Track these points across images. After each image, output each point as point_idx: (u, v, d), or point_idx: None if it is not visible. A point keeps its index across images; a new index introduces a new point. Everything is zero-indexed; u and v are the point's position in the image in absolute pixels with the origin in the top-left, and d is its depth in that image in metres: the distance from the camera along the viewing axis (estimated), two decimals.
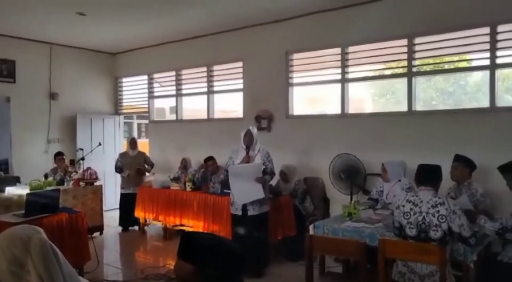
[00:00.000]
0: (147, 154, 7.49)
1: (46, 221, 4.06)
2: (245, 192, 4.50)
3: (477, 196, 3.98)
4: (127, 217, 6.77)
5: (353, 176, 5.22)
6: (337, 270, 4.27)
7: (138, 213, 6.51)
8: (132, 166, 6.86)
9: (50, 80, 7.80)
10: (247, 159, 4.63)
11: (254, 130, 4.74)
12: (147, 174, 7.13)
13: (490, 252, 3.60)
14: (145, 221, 6.60)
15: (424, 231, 2.95)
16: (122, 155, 7.04)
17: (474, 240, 2.95)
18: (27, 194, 4.33)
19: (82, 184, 6.27)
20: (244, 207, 4.56)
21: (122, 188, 6.98)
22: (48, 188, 5.52)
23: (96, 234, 6.23)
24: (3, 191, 5.45)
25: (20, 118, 7.28)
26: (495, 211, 4.31)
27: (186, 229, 5.95)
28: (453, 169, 4.14)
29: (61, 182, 6.18)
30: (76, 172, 6.45)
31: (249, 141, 4.65)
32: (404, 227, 3.06)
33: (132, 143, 7.07)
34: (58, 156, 6.61)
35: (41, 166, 7.09)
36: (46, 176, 6.34)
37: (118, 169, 6.93)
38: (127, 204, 6.72)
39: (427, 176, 3.15)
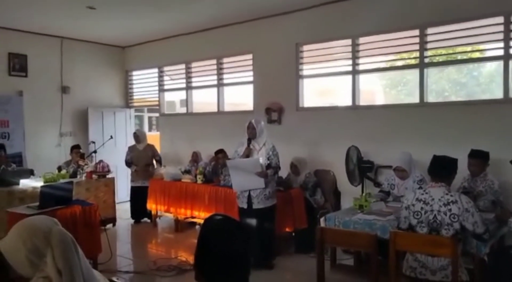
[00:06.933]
0: (157, 146, 7.50)
1: (60, 213, 4.12)
2: (246, 180, 4.48)
3: (495, 187, 3.98)
4: (137, 210, 6.84)
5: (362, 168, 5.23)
6: (348, 262, 4.29)
7: (150, 205, 6.58)
8: (140, 159, 6.87)
9: (62, 74, 7.87)
10: (248, 152, 4.61)
11: (261, 124, 4.70)
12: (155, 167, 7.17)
13: (503, 245, 3.57)
14: (157, 213, 6.66)
15: (435, 229, 2.88)
16: (131, 149, 7.04)
17: (488, 235, 2.91)
18: (42, 186, 4.39)
19: (94, 176, 6.34)
20: (250, 200, 4.56)
21: (132, 181, 7.02)
22: (62, 181, 5.59)
23: (109, 226, 6.31)
24: (18, 184, 5.53)
25: (33, 112, 7.36)
26: (508, 204, 4.27)
27: (197, 221, 6.02)
28: (473, 166, 4.04)
29: (74, 175, 6.26)
30: (87, 165, 6.52)
31: (251, 133, 4.61)
32: (414, 226, 2.97)
33: (135, 137, 7.05)
34: (75, 148, 6.69)
35: (54, 159, 7.19)
36: (59, 169, 6.43)
37: (128, 163, 6.97)
38: (137, 196, 6.78)
39: (441, 170, 3.00)
